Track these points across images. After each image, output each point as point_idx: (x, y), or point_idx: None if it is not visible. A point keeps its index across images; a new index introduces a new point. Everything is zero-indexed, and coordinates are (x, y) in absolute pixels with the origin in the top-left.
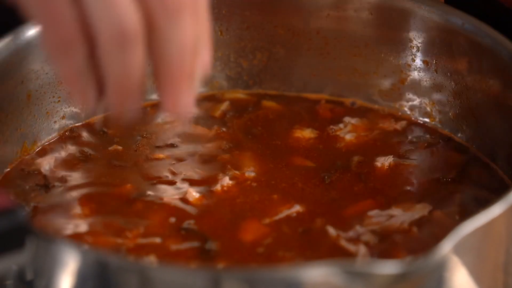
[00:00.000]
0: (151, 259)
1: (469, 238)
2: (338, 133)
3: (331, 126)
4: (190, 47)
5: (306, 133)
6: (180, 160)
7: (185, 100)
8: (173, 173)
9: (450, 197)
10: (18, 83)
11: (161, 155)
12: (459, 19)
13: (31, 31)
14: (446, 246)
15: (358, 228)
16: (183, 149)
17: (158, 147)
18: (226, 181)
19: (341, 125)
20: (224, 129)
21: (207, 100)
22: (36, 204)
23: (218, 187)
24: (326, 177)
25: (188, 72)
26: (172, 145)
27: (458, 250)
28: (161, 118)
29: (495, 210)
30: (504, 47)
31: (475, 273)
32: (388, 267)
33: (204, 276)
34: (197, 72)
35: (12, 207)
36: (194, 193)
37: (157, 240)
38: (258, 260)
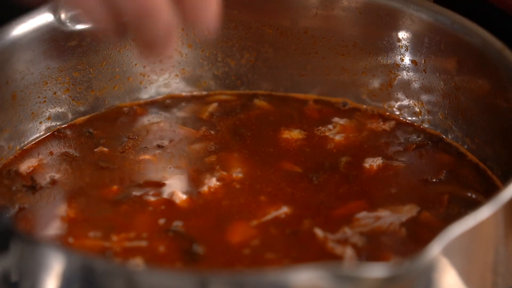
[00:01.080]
0: (137, 262)
1: (458, 240)
2: (326, 134)
3: (320, 127)
4: None
5: (295, 134)
6: (167, 161)
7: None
8: (160, 175)
9: (438, 198)
10: (3, 84)
11: (148, 156)
12: (448, 19)
13: (16, 31)
14: (435, 249)
15: (346, 230)
16: (170, 150)
17: (144, 148)
18: (213, 182)
19: (330, 126)
20: (211, 131)
21: (194, 101)
22: (22, 205)
23: (205, 188)
24: (314, 178)
25: None
26: (158, 146)
27: (447, 252)
28: (147, 119)
29: (484, 212)
30: (493, 47)
31: (464, 274)
32: (377, 271)
33: (191, 280)
34: None
35: None
36: (181, 195)
37: (144, 242)
38: (245, 262)
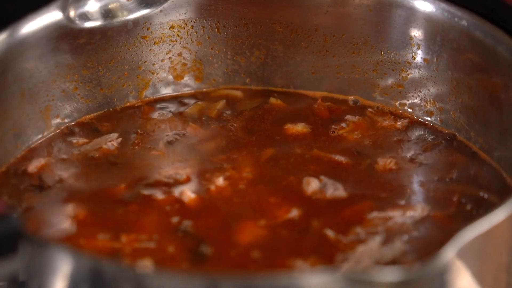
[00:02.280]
0: (146, 263)
1: (472, 242)
2: (338, 132)
3: (333, 126)
4: None
5: (304, 131)
6: (175, 160)
7: None
8: (168, 173)
9: (450, 198)
10: (12, 82)
11: (156, 155)
12: (461, 17)
13: (26, 29)
14: (450, 252)
15: (358, 230)
16: (178, 148)
17: (153, 146)
18: (223, 181)
19: (343, 124)
20: (220, 128)
21: (204, 98)
22: (30, 205)
23: (214, 187)
24: (323, 178)
25: None
26: (167, 145)
27: (462, 254)
28: (156, 117)
29: (499, 215)
30: (506, 45)
31: (478, 275)
32: (391, 274)
33: (201, 283)
34: None
35: (5, 212)
36: (190, 194)
37: (153, 242)
38: (254, 264)
